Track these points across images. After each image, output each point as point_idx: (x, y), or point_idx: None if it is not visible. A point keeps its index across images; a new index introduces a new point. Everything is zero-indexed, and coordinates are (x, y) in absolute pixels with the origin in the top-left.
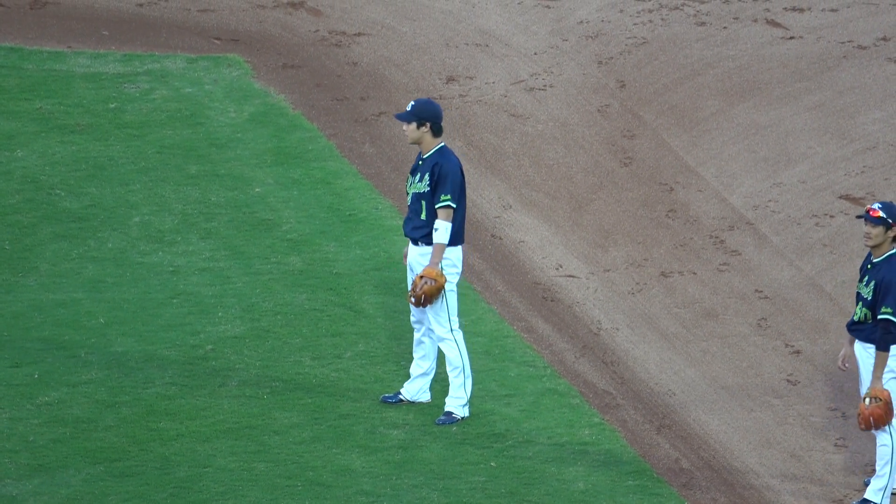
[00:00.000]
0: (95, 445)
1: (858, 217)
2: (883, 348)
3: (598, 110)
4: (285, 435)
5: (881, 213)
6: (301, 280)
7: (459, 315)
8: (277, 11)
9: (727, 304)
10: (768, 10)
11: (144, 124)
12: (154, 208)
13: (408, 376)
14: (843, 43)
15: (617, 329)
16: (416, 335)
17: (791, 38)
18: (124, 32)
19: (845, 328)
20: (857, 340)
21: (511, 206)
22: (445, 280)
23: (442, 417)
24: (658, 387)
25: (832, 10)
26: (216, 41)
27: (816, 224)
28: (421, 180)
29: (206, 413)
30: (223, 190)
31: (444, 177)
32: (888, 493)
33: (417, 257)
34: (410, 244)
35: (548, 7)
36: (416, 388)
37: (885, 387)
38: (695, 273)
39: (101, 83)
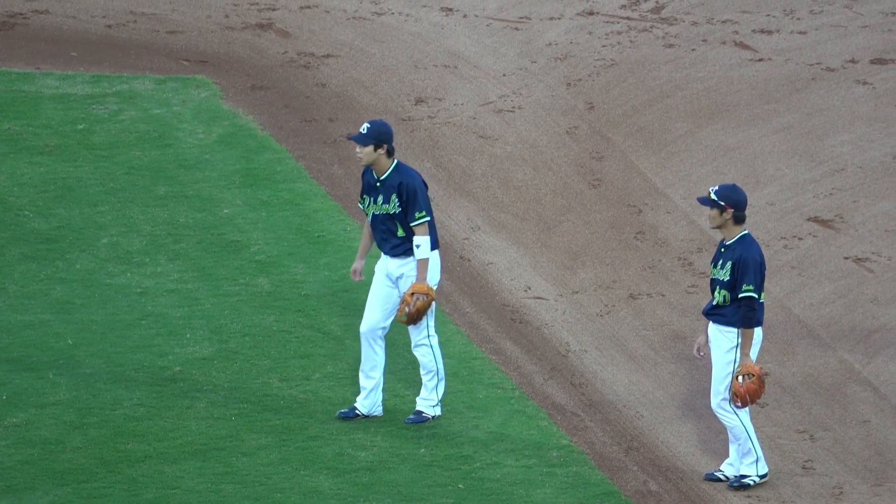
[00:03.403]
0: (63, 467)
1: (698, 199)
2: (748, 325)
3: (567, 132)
4: (253, 457)
5: (713, 196)
6: (269, 302)
7: (436, 321)
8: (246, 33)
9: (695, 327)
10: (737, 32)
11: (113, 145)
12: (122, 229)
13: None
14: (811, 65)
15: (585, 351)
16: (371, 346)
17: (760, 60)
18: (93, 53)
19: (702, 314)
20: (714, 325)
21: (479, 228)
22: (434, 294)
23: (412, 416)
24: (626, 409)
25: (801, 33)
26: (185, 62)
27: (785, 246)
28: (387, 202)
29: (174, 434)
30: (191, 211)
31: (413, 195)
32: (761, 462)
33: (399, 268)
34: (387, 257)
35: (516, 29)
36: (370, 403)
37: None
38: (663, 295)
39: (70, 104)
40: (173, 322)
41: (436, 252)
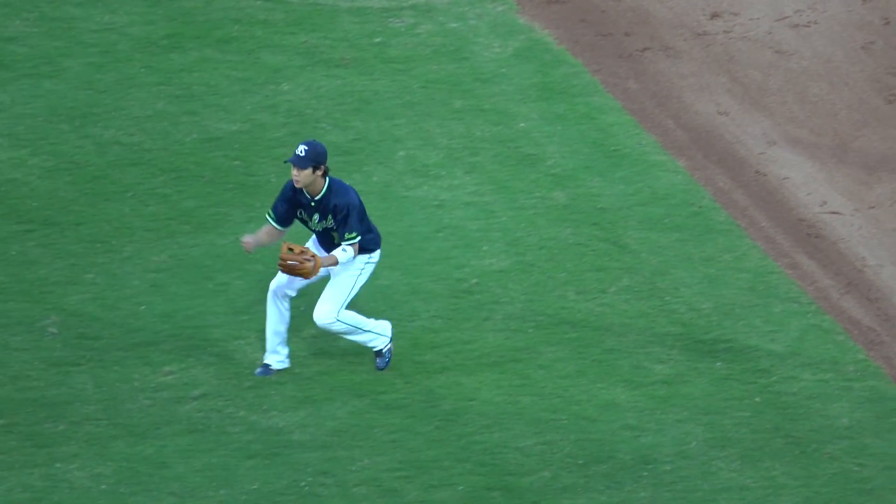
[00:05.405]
0: (361, 378)
1: None
2: None
3: (863, 47)
4: (550, 369)
5: None
6: (565, 215)
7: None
8: None
9: None
10: None
11: (409, 59)
12: (419, 142)
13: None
14: None
15: (882, 266)
16: (278, 306)
17: None
18: None
19: None
20: None
21: (775, 143)
22: (309, 275)
23: (377, 360)
24: None
25: None
26: None
27: None
28: (323, 219)
29: (470, 346)
30: (488, 125)
31: (346, 216)
32: None
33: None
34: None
35: None
36: (283, 357)
37: None
38: None
39: (367, 18)
40: (470, 234)
41: (377, 252)
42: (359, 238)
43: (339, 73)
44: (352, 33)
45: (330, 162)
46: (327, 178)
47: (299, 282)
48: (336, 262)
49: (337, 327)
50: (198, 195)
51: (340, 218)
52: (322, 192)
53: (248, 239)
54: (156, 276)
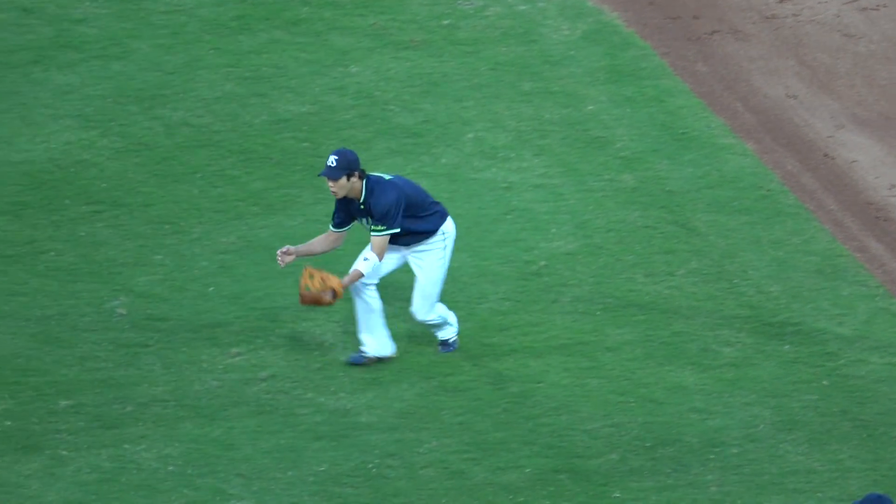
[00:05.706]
0: (429, 360)
1: None
2: None
3: None
4: (618, 351)
5: None
6: (634, 197)
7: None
8: None
9: None
10: None
11: (478, 41)
12: (488, 125)
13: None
14: None
15: None
16: (363, 298)
17: None
18: None
19: None
20: None
21: (844, 126)
22: (332, 304)
23: (441, 348)
24: None
25: None
26: None
27: None
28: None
29: (539, 329)
30: (556, 107)
31: (383, 214)
32: None
33: (416, 251)
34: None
35: None
36: (378, 345)
37: None
38: None
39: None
40: (538, 217)
41: (448, 219)
42: (387, 232)
43: (407, 55)
44: (420, 15)
45: (399, 144)
46: (364, 180)
47: (381, 270)
48: (361, 276)
49: (434, 321)
50: (266, 177)
51: (377, 215)
52: (364, 195)
53: (289, 249)
54: (224, 257)
